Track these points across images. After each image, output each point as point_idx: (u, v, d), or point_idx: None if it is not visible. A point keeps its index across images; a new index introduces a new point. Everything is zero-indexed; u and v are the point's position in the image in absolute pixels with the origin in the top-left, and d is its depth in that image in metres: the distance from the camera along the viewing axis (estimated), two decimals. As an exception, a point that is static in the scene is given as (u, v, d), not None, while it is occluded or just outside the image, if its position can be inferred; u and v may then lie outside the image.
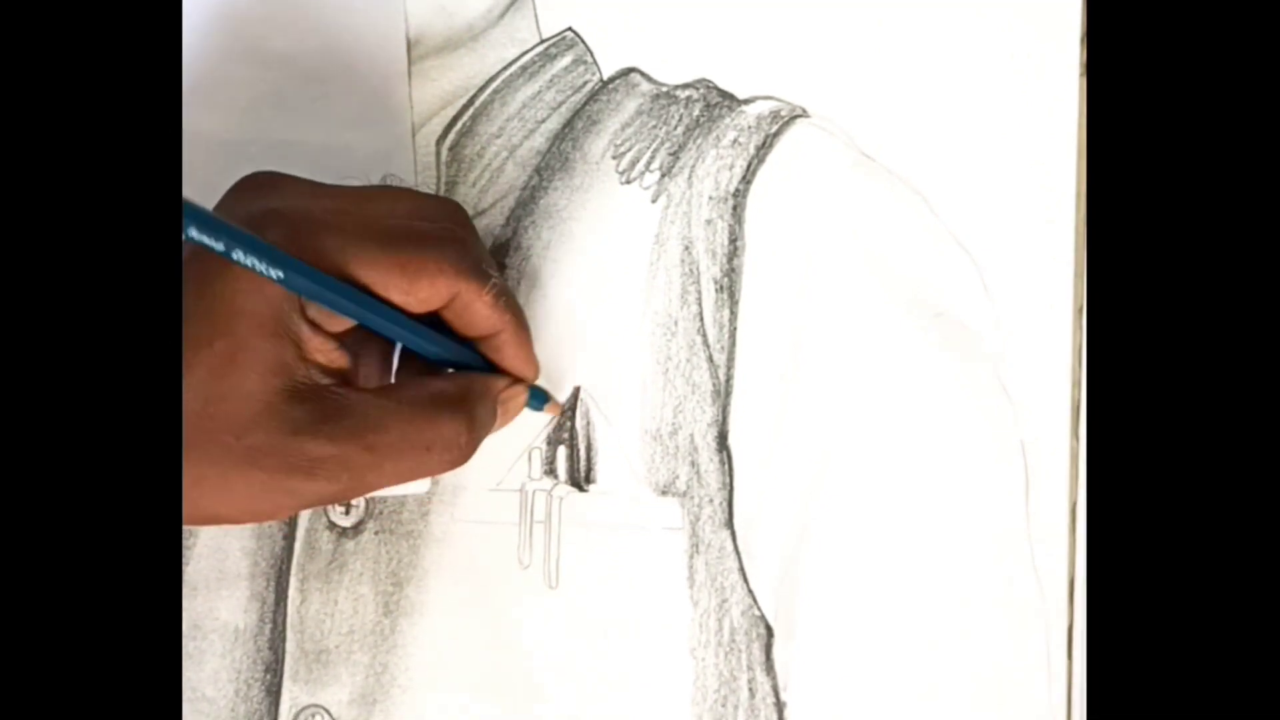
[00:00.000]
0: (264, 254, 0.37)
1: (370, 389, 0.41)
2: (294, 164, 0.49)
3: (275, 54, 0.50)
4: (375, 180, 0.49)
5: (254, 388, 0.38)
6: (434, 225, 0.42)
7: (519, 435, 0.48)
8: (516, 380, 0.45)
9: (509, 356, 0.44)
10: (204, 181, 0.48)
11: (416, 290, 0.41)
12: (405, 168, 0.49)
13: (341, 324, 0.40)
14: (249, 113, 0.49)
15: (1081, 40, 0.49)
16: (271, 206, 0.40)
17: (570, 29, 0.50)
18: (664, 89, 0.50)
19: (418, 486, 0.48)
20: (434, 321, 0.43)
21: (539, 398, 0.47)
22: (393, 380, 0.44)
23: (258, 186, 0.42)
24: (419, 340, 0.42)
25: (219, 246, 0.36)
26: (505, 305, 0.43)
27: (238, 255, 0.36)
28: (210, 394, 0.38)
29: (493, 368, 0.45)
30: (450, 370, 0.44)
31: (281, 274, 0.37)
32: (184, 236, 0.35)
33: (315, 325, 0.40)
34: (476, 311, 0.42)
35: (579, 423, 0.49)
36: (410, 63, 0.50)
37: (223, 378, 0.38)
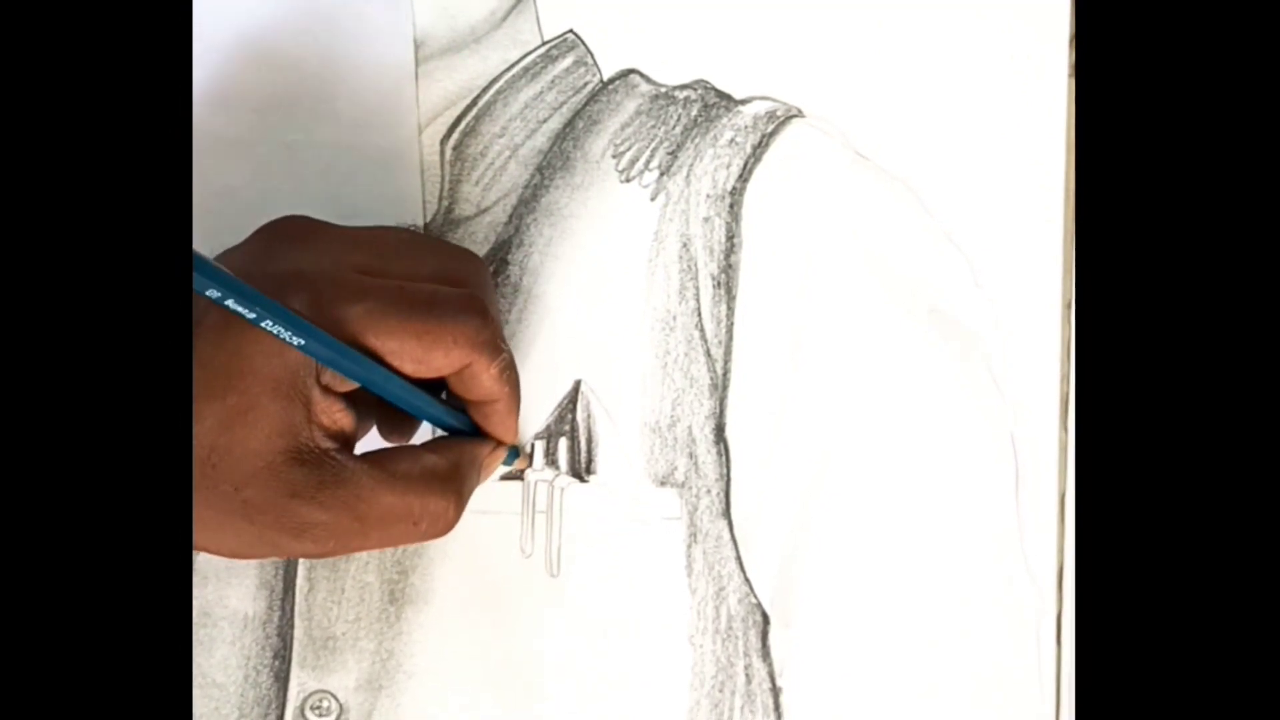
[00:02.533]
0: (289, 323, 0.38)
1: (365, 457, 0.41)
2: (302, 164, 0.49)
3: (284, 56, 0.49)
4: (383, 203, 0.49)
5: (259, 446, 0.39)
6: (458, 293, 0.42)
7: (521, 429, 0.48)
8: (499, 444, 0.45)
9: (496, 423, 0.44)
10: (215, 183, 0.48)
11: (430, 360, 0.41)
12: (411, 170, 0.49)
13: (350, 385, 0.40)
14: (259, 113, 0.49)
15: (1070, 42, 0.49)
16: (299, 268, 0.40)
17: (571, 31, 0.50)
18: (663, 90, 0.50)
19: None
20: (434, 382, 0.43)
21: (513, 454, 0.47)
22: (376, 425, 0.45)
23: (288, 238, 0.42)
24: (418, 405, 0.42)
25: (250, 315, 0.37)
26: (507, 379, 0.43)
27: (266, 324, 0.38)
28: (216, 444, 0.38)
29: (477, 428, 0.45)
30: (440, 433, 0.45)
31: (303, 341, 0.38)
32: (220, 303, 0.37)
33: (326, 389, 0.40)
34: (481, 382, 0.42)
35: (580, 415, 0.49)
36: (416, 64, 0.50)
37: (230, 431, 0.38)
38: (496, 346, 0.42)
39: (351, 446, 0.41)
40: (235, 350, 0.39)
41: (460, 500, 0.42)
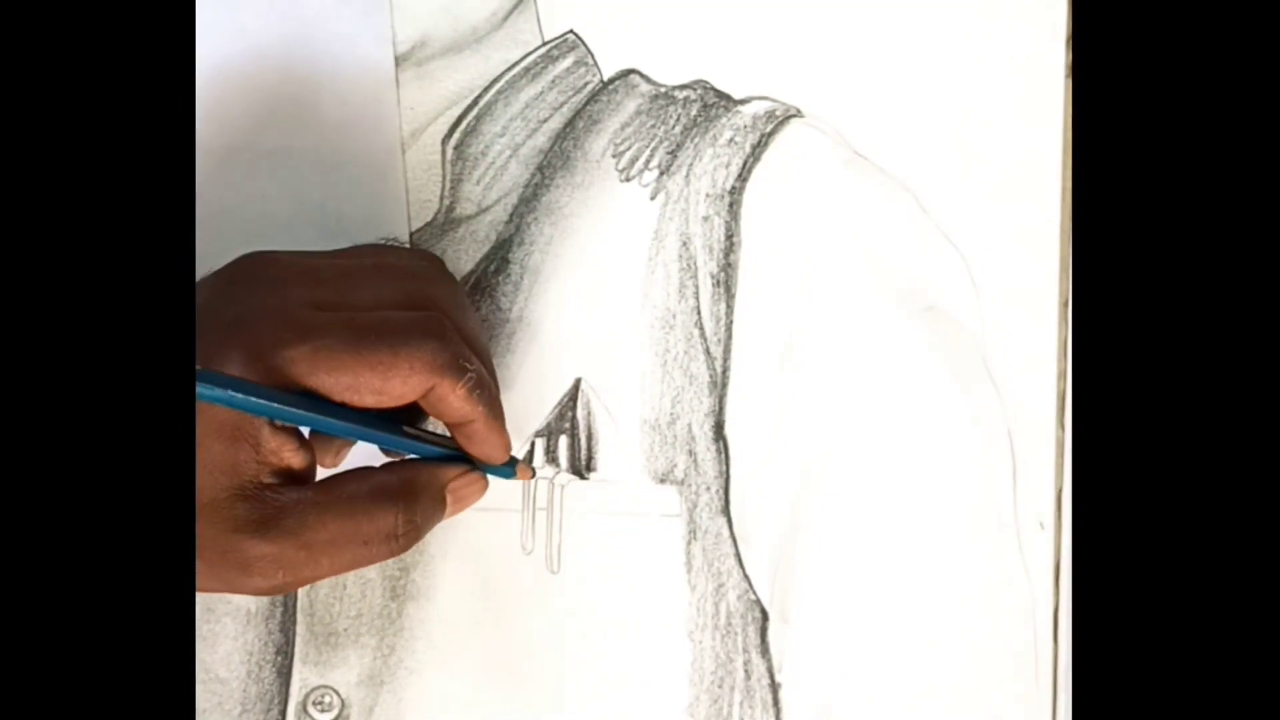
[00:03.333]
0: (224, 386, 0.37)
1: (312, 485, 0.40)
2: (285, 172, 0.49)
3: (266, 65, 0.49)
4: (366, 212, 0.49)
5: (202, 483, 0.38)
6: (411, 316, 0.41)
7: (522, 427, 0.48)
8: (476, 465, 0.44)
9: (479, 442, 0.43)
10: (203, 193, 0.48)
11: (389, 389, 0.40)
12: (394, 175, 0.49)
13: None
14: (241, 122, 0.49)
15: (1067, 42, 0.49)
16: (243, 314, 0.40)
17: (572, 32, 0.50)
18: (662, 90, 0.50)
19: None
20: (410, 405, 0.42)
21: (510, 467, 0.45)
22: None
23: (241, 280, 0.41)
24: (380, 439, 0.42)
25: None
26: (479, 398, 0.42)
27: (205, 394, 0.37)
28: None
29: (460, 451, 0.44)
30: (403, 457, 0.44)
31: (238, 401, 0.38)
32: None
33: (278, 427, 0.39)
34: (449, 403, 0.41)
35: (580, 413, 0.48)
36: (401, 71, 0.50)
37: None
38: (459, 367, 0.41)
39: (305, 480, 0.40)
40: None
41: (410, 516, 0.41)
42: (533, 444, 0.48)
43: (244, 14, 0.49)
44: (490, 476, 0.45)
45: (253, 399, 0.38)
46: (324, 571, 0.40)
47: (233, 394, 0.38)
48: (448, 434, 0.44)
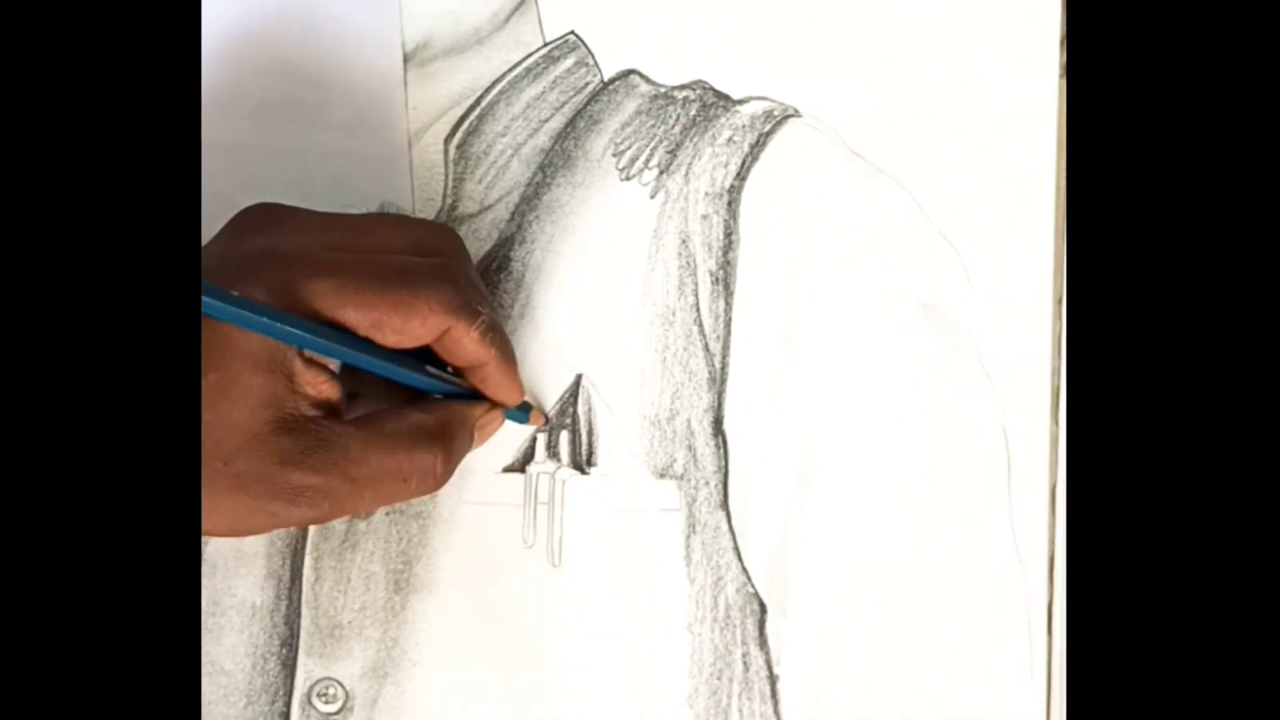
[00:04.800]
0: (261, 315, 0.38)
1: (353, 420, 0.41)
2: (294, 170, 0.49)
3: (276, 62, 0.49)
4: (374, 208, 0.49)
5: (243, 419, 0.39)
6: (429, 261, 0.42)
7: (540, 408, 0.48)
8: (495, 405, 0.46)
9: (493, 385, 0.45)
10: (208, 188, 0.48)
11: (409, 329, 0.41)
12: (401, 174, 0.49)
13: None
14: (250, 119, 0.49)
15: (1061, 43, 0.49)
16: (271, 245, 0.41)
17: (572, 32, 0.50)
18: (662, 90, 0.50)
19: None
20: (422, 350, 0.43)
21: (525, 412, 0.47)
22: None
23: (258, 226, 0.42)
24: (405, 375, 0.43)
25: (225, 318, 0.38)
26: (491, 340, 0.43)
27: (242, 319, 0.38)
28: (202, 422, 0.38)
29: (476, 392, 0.45)
30: (434, 396, 0.44)
31: (280, 330, 0.38)
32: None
33: (309, 360, 0.40)
34: (464, 346, 0.43)
35: (581, 408, 0.48)
36: (406, 71, 0.49)
37: (214, 408, 0.39)
38: (473, 309, 0.42)
39: (339, 414, 0.41)
40: (214, 328, 0.39)
41: (448, 456, 0.43)
42: (534, 439, 0.48)
43: (251, 12, 0.49)
44: (508, 420, 0.46)
45: (288, 327, 0.38)
46: (365, 504, 0.41)
47: (268, 321, 0.38)
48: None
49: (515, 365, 0.45)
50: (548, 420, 0.48)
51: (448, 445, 0.43)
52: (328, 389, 0.40)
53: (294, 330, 0.39)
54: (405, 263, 0.42)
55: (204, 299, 0.37)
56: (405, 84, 0.49)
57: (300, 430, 0.40)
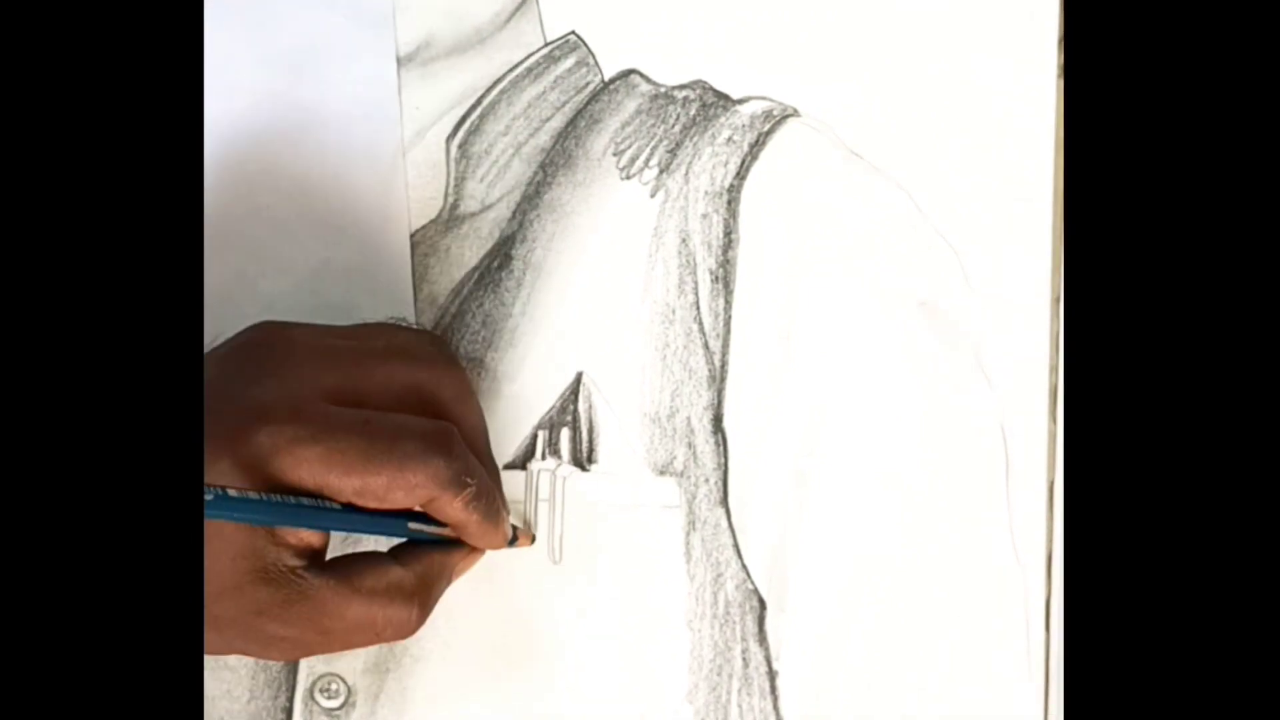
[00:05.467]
0: (232, 510, 0.38)
1: (331, 570, 0.41)
2: (286, 183, 0.49)
3: (272, 77, 0.49)
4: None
5: (224, 569, 0.39)
6: (426, 427, 0.41)
7: (524, 420, 0.48)
8: (476, 550, 0.45)
9: (476, 539, 0.44)
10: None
11: (392, 499, 0.41)
12: (397, 185, 0.49)
13: None
14: (248, 134, 0.49)
15: (1059, 43, 0.49)
16: (264, 401, 0.40)
17: (573, 33, 0.50)
18: (662, 90, 0.50)
19: None
20: None
21: (511, 540, 0.46)
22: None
23: (259, 358, 0.41)
24: (387, 531, 0.42)
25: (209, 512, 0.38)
26: (474, 508, 0.42)
27: (213, 515, 0.38)
28: None
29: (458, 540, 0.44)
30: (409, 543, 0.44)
31: (256, 519, 0.39)
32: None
33: None
34: (447, 513, 0.42)
35: (581, 406, 0.48)
36: (404, 72, 0.49)
37: None
38: (461, 482, 0.41)
39: (322, 557, 0.41)
40: None
41: (425, 610, 0.42)
42: (535, 436, 0.48)
43: (250, 29, 0.49)
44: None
45: (262, 516, 0.39)
46: (335, 649, 0.42)
47: (241, 515, 0.38)
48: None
49: (500, 518, 0.44)
50: (534, 540, 0.48)
51: (425, 598, 0.42)
52: (309, 536, 0.40)
53: (268, 518, 0.39)
54: (398, 429, 0.41)
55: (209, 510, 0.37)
56: (400, 91, 0.49)
57: (280, 581, 0.39)
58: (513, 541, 0.46)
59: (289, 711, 0.48)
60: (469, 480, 0.42)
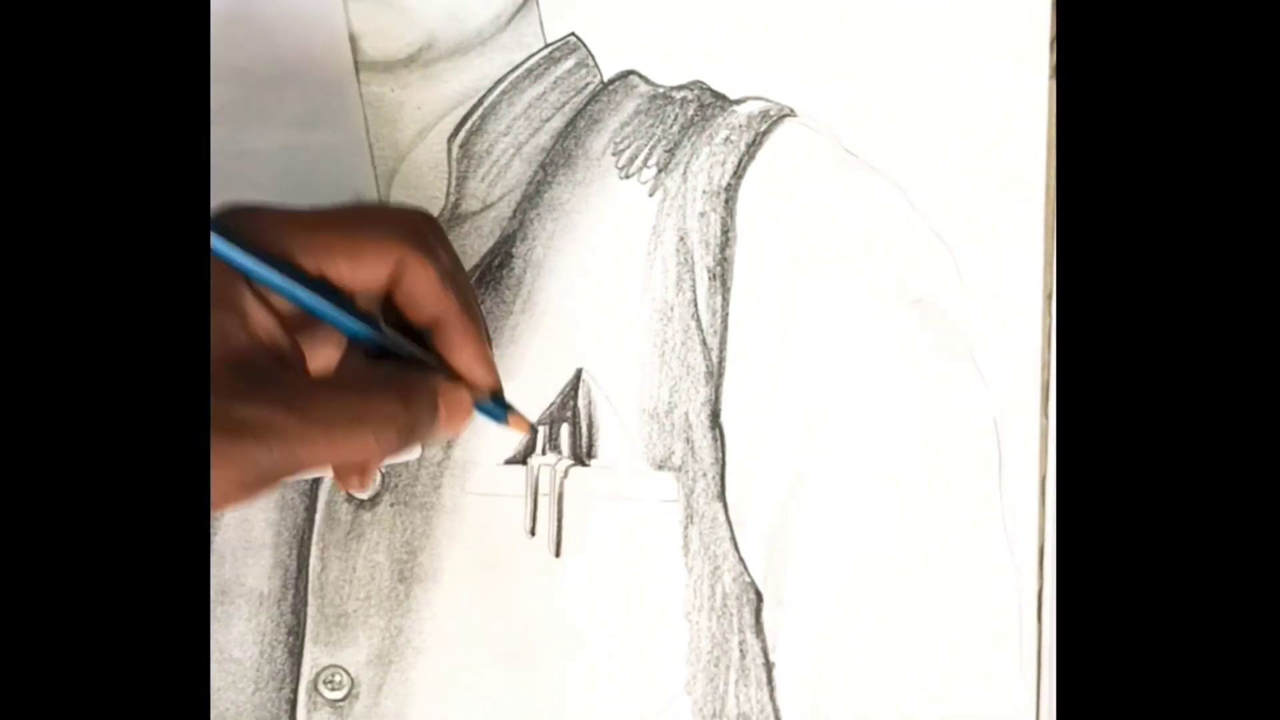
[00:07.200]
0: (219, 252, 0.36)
1: (305, 370, 0.39)
2: (255, 172, 0.48)
3: (229, 67, 0.49)
4: (347, 198, 0.48)
5: None
6: (390, 210, 0.41)
7: (525, 415, 0.48)
8: (459, 378, 0.41)
9: (456, 349, 0.41)
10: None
11: (360, 265, 0.38)
12: (364, 170, 0.49)
13: (286, 303, 0.38)
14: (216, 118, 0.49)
15: (1051, 44, 0.49)
16: (232, 208, 0.38)
17: (573, 34, 0.50)
18: (661, 90, 0.50)
19: (407, 453, 0.47)
20: (389, 316, 0.41)
21: (501, 409, 0.43)
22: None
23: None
24: (360, 328, 0.39)
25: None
26: (452, 287, 0.40)
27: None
28: None
29: (441, 363, 0.41)
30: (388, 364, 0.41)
31: (219, 247, 0.36)
32: None
33: (262, 300, 0.37)
34: (423, 291, 0.39)
35: (581, 402, 0.49)
36: (356, 65, 0.49)
37: None
38: (429, 246, 0.39)
39: (290, 367, 0.38)
40: None
41: (409, 406, 0.39)
42: (536, 431, 0.48)
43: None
44: (488, 420, 0.42)
45: (234, 254, 0.36)
46: (321, 451, 0.37)
47: (223, 246, 0.36)
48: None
49: (480, 331, 0.41)
50: (533, 428, 0.47)
51: (405, 395, 0.39)
52: (278, 335, 0.37)
53: (240, 257, 0.36)
54: (363, 207, 0.41)
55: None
56: (357, 73, 0.49)
57: (249, 369, 0.36)
58: (503, 410, 0.43)
59: (293, 703, 0.48)
60: (441, 253, 0.40)
